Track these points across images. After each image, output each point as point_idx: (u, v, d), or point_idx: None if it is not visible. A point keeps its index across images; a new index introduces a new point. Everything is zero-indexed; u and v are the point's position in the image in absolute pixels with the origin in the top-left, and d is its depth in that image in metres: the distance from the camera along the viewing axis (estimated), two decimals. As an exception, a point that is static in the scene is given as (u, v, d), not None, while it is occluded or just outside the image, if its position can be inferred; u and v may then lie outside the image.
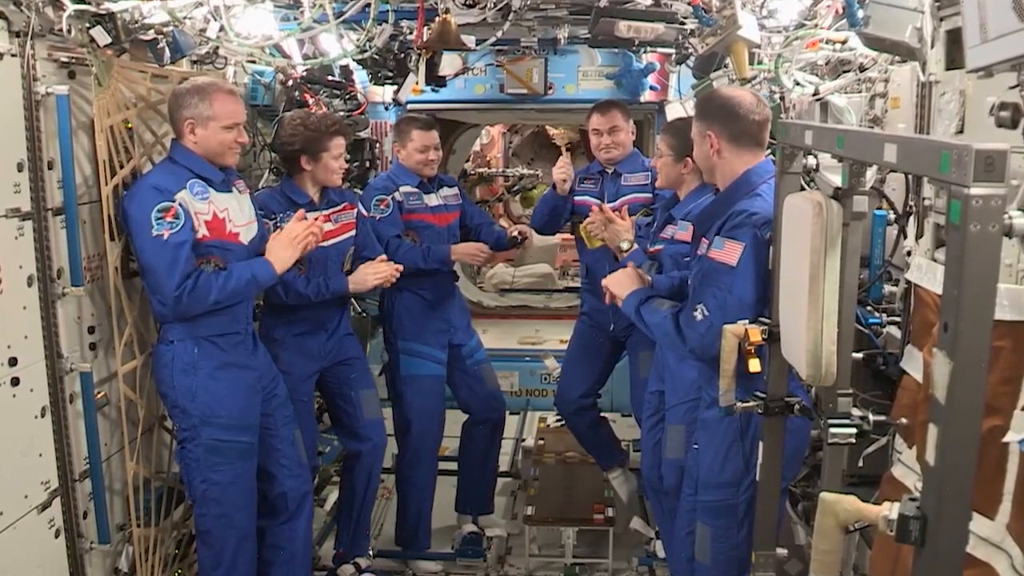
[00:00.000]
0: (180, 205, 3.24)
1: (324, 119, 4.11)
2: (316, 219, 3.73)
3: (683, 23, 4.06)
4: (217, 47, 3.77)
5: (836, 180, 2.40)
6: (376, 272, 4.13)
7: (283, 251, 3.50)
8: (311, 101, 4.71)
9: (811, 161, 2.60)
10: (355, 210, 4.37)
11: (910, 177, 3.08)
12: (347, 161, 4.94)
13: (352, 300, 4.89)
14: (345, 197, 4.34)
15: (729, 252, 2.87)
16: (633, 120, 4.87)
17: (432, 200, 4.78)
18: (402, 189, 4.69)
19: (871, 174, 3.19)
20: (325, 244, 4.07)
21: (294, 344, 4.09)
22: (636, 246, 4.00)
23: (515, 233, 4.99)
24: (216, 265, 3.36)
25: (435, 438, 4.90)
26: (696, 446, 3.29)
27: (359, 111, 5.19)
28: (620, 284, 3.40)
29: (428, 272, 4.67)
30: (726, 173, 3.06)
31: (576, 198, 4.84)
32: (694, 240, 3.21)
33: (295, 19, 3.82)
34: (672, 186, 3.93)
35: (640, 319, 3.24)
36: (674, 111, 5.31)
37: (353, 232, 4.31)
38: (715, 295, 2.88)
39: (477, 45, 4.33)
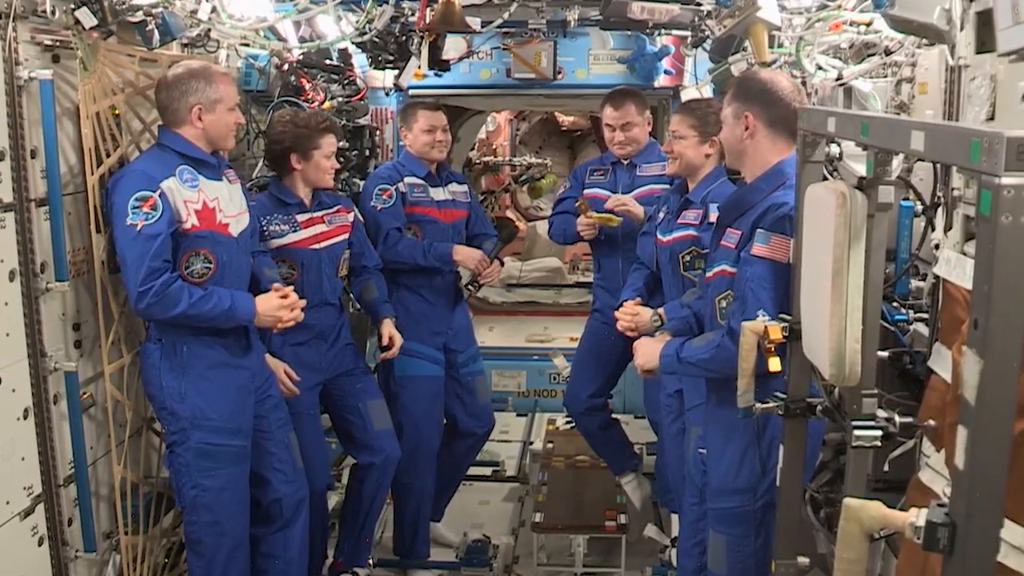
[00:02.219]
0: (161, 196, 3.23)
1: (314, 116, 4.12)
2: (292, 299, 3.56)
3: (699, 4, 4.06)
4: (209, 29, 3.77)
5: (860, 169, 2.39)
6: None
7: (271, 313, 3.47)
8: (308, 86, 4.72)
9: (834, 149, 2.60)
10: (351, 213, 4.38)
11: (938, 166, 3.07)
12: (347, 149, 4.97)
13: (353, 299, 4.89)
14: (338, 201, 4.35)
15: (779, 248, 2.87)
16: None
17: (439, 194, 4.77)
18: (407, 180, 4.69)
19: (897, 163, 3.18)
20: (318, 247, 4.11)
21: (292, 354, 4.05)
22: (663, 311, 3.82)
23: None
24: (205, 257, 3.36)
25: (432, 442, 4.86)
26: (702, 451, 3.29)
27: (358, 97, 5.19)
28: (648, 354, 3.32)
29: (429, 270, 4.67)
30: (756, 160, 3.06)
31: (586, 191, 4.83)
32: (717, 229, 3.19)
33: None
34: (692, 171, 3.90)
35: (688, 365, 3.14)
36: (690, 96, 5.30)
37: (346, 235, 4.31)
38: (773, 298, 2.87)
39: (482, 27, 4.34)
